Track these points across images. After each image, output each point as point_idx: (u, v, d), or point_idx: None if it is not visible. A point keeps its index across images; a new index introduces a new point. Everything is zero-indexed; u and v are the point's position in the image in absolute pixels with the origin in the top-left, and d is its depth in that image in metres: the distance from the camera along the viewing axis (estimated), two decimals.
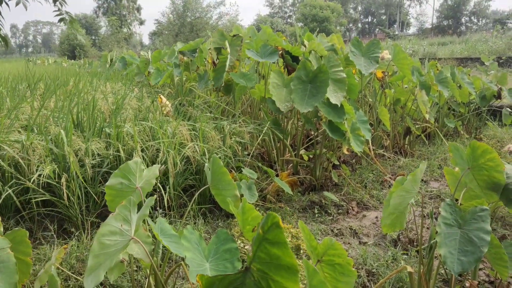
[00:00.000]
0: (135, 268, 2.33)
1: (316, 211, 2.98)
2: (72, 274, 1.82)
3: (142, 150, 2.82)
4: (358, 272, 2.18)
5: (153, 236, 2.06)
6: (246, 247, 1.69)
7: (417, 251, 2.35)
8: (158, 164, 2.72)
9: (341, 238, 2.67)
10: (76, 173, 2.61)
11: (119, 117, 3.24)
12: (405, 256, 2.31)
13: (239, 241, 1.74)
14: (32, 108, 3.62)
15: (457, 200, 1.91)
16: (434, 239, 1.67)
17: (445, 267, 2.00)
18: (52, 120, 3.23)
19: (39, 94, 4.57)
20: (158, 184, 2.62)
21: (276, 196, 3.18)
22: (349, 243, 2.61)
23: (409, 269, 1.74)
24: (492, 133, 4.91)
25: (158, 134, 2.91)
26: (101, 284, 2.14)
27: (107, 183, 1.83)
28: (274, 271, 0.80)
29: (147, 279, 1.83)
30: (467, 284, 1.93)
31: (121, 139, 2.85)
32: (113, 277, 1.84)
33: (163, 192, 2.59)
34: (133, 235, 1.23)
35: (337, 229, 2.78)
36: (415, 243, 2.46)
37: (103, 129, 3.02)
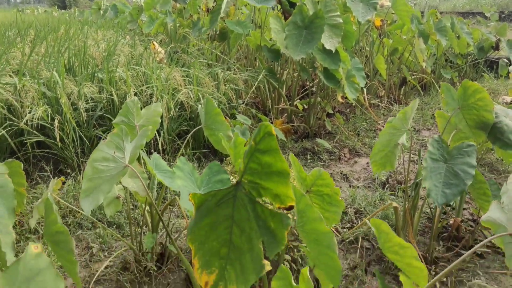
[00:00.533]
0: (131, 207, 2.40)
1: (308, 157, 3.04)
2: (72, 207, 1.87)
3: (136, 95, 2.80)
4: (346, 209, 2.27)
5: (149, 174, 2.10)
6: None
7: (404, 191, 2.43)
8: None
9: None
10: (70, 116, 2.61)
11: (111, 62, 3.19)
12: (392, 197, 2.39)
13: (231, 177, 1.78)
14: (23, 53, 3.55)
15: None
16: (421, 178, 1.72)
17: (429, 200, 2.08)
18: (43, 65, 3.18)
19: (29, 41, 4.46)
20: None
21: None
22: (340, 186, 2.68)
23: (395, 204, 1.81)
24: (488, 84, 4.90)
25: (151, 79, 2.88)
26: (99, 220, 2.21)
27: (114, 120, 1.81)
28: (265, 178, 0.83)
29: (143, 215, 1.89)
30: (451, 221, 2.01)
31: (114, 84, 2.82)
32: (109, 212, 1.90)
33: (157, 136, 2.61)
34: (128, 163, 1.26)
35: (329, 174, 2.84)
36: (403, 184, 2.53)
37: (95, 74, 2.98)
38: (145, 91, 2.85)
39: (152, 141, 2.68)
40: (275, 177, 0.81)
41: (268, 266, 0.81)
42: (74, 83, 2.79)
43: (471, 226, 2.05)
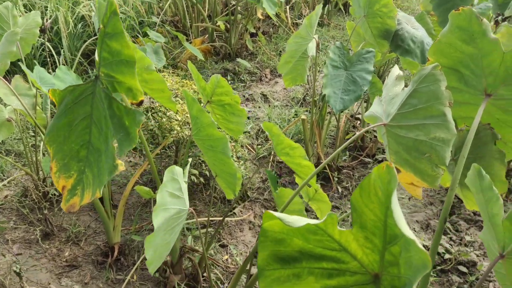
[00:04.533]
0: (32, 134, 2.20)
1: (229, 78, 2.95)
2: None
3: (25, 7, 2.45)
4: (261, 128, 2.26)
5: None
6: None
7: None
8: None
9: (252, 103, 2.71)
10: None
11: None
12: (307, 113, 2.42)
13: None
14: None
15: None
16: None
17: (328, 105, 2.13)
18: None
19: None
20: (48, 44, 2.35)
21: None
22: (259, 107, 2.66)
23: (303, 117, 1.82)
24: None
25: None
26: None
27: None
28: (117, 70, 0.74)
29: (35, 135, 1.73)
30: (357, 133, 2.09)
31: None
32: (2, 136, 1.71)
33: (54, 53, 2.34)
34: None
35: (248, 95, 2.80)
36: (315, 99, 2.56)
37: None
38: (37, 2, 2.49)
39: (49, 62, 2.40)
40: (123, 67, 0.72)
41: (121, 166, 0.75)
42: None
43: (375, 136, 2.15)
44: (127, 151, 0.75)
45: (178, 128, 1.51)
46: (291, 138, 2.13)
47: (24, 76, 1.70)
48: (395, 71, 1.03)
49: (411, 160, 0.90)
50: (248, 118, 2.46)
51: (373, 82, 1.57)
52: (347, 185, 1.89)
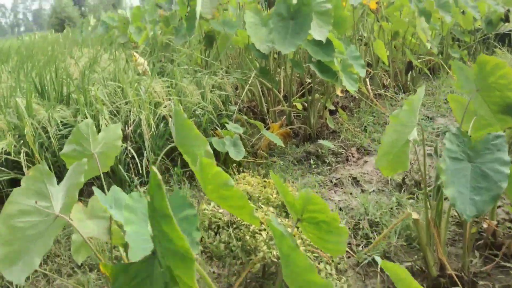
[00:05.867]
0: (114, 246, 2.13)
1: (312, 161, 2.73)
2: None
3: (112, 113, 2.55)
4: (359, 223, 1.95)
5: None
6: (220, 211, 1.45)
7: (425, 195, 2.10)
8: (130, 126, 2.46)
9: (341, 188, 2.44)
10: (45, 145, 2.37)
11: (87, 80, 2.94)
12: (412, 200, 2.07)
13: (212, 204, 1.50)
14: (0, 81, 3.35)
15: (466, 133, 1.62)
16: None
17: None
18: (19, 91, 2.95)
19: (10, 67, 4.26)
20: (130, 149, 2.37)
21: (268, 150, 2.92)
22: (350, 193, 2.37)
23: (415, 216, 1.50)
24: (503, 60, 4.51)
25: (128, 95, 2.62)
26: (81, 266, 1.94)
27: (61, 151, 1.59)
28: (172, 260, 0.56)
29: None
30: (485, 225, 1.69)
31: (89, 104, 2.57)
32: (80, 258, 1.62)
33: (136, 156, 2.34)
34: (60, 212, 0.98)
35: (336, 179, 2.53)
36: (421, 186, 2.20)
37: (70, 95, 2.74)
38: (122, 108, 2.59)
39: (132, 166, 2.41)
40: (179, 262, 0.54)
41: None
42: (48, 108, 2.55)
43: (509, 228, 1.72)
44: None
45: (265, 248, 1.28)
46: (397, 238, 1.79)
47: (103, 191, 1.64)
48: None
49: None
50: (341, 209, 2.17)
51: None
52: None
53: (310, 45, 2.70)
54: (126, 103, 2.59)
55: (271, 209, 1.46)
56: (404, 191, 2.21)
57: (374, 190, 2.32)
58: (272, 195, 1.60)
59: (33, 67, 3.40)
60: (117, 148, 1.69)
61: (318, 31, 2.63)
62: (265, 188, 1.67)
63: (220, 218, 1.40)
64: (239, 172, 2.60)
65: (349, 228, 1.98)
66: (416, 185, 2.23)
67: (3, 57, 4.80)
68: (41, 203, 0.94)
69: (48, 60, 4.20)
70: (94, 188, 1.31)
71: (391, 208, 2.00)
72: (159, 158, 2.45)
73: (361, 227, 1.93)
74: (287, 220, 1.49)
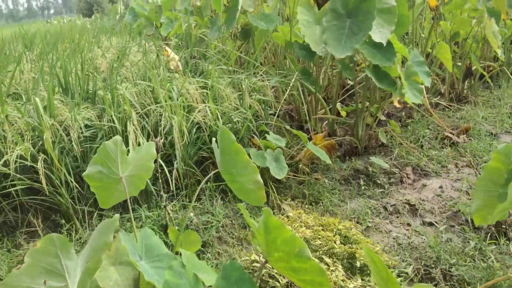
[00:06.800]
0: None
1: (362, 182, 2.39)
2: None
3: (142, 117, 2.27)
4: (430, 272, 1.61)
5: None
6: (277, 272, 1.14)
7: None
8: (160, 135, 2.17)
9: (398, 218, 2.10)
10: (66, 149, 2.12)
11: (115, 76, 2.67)
12: (494, 246, 1.71)
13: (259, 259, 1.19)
14: (21, 71, 3.11)
15: None
16: None
17: None
18: (42, 85, 2.71)
19: (35, 55, 4.05)
20: (160, 160, 2.08)
21: (310, 164, 2.60)
22: (408, 224, 2.03)
23: None
24: None
25: (160, 96, 2.33)
26: None
27: (84, 172, 1.34)
28: None
29: None
30: None
31: (116, 104, 2.30)
32: None
33: (166, 170, 2.06)
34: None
35: (391, 205, 2.19)
36: (503, 226, 1.84)
37: (96, 92, 2.48)
38: (153, 111, 2.30)
39: (160, 177, 2.12)
40: None
41: None
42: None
43: None
44: None
45: None
46: None
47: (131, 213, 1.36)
48: None
49: None
50: (400, 245, 1.84)
51: None
52: None
53: (366, 47, 2.35)
54: (157, 107, 2.30)
55: (339, 266, 1.14)
56: (482, 231, 1.85)
57: (437, 223, 1.97)
58: (335, 242, 1.28)
59: (58, 58, 3.15)
60: (149, 170, 1.42)
61: (378, 32, 2.27)
62: (324, 231, 1.35)
63: (277, 281, 1.09)
64: (278, 192, 2.29)
65: (411, 272, 1.65)
66: (495, 225, 1.86)
67: (28, 43, 4.60)
68: (52, 283, 0.66)
69: (74, 49, 3.97)
70: (121, 233, 1.02)
71: (471, 256, 1.65)
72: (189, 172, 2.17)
73: (432, 276, 1.59)
74: (358, 281, 1.17)
